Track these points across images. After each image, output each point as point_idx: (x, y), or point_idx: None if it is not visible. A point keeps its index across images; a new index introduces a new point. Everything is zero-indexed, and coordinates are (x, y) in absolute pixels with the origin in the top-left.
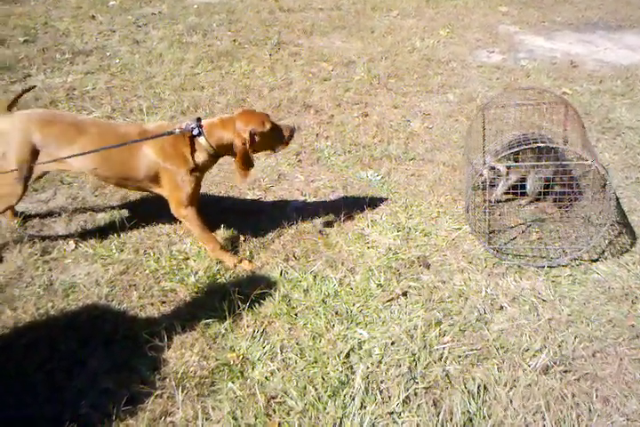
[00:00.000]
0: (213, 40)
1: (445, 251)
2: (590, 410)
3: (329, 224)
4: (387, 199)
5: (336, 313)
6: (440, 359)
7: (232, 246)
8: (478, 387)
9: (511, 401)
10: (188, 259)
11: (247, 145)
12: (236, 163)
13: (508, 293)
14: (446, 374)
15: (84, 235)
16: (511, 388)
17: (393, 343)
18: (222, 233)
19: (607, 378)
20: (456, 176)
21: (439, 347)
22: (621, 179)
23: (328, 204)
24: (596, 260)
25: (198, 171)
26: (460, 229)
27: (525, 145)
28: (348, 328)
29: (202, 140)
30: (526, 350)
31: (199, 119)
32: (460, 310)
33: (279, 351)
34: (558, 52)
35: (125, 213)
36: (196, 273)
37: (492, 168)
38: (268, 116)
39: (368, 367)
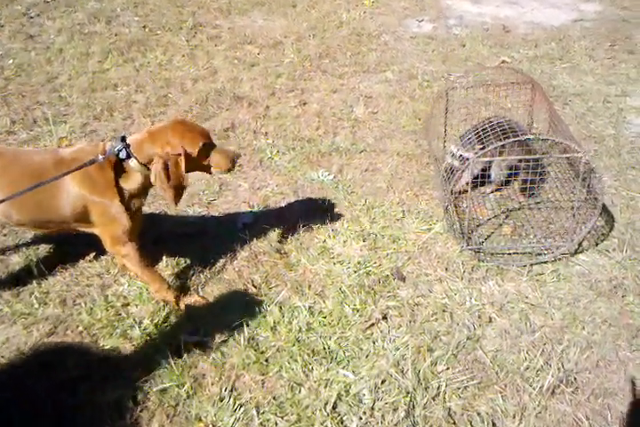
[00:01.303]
0: (120, 28)
1: (418, 257)
2: None
3: (286, 240)
4: (344, 202)
5: (312, 352)
6: (438, 395)
7: (179, 281)
8: (486, 424)
9: None
10: (128, 304)
11: (182, 163)
12: (163, 185)
13: (493, 301)
14: (449, 413)
15: None
16: (520, 419)
17: (383, 382)
18: (164, 265)
19: (617, 391)
20: (413, 167)
21: (435, 381)
22: None
23: (280, 214)
24: (577, 250)
25: (135, 199)
26: (428, 229)
27: (495, 131)
28: (328, 370)
29: (132, 162)
30: (527, 369)
31: (124, 138)
32: (448, 330)
33: (255, 414)
34: (487, 16)
35: (43, 252)
36: (141, 322)
37: (460, 157)
38: (206, 130)
39: (361, 418)
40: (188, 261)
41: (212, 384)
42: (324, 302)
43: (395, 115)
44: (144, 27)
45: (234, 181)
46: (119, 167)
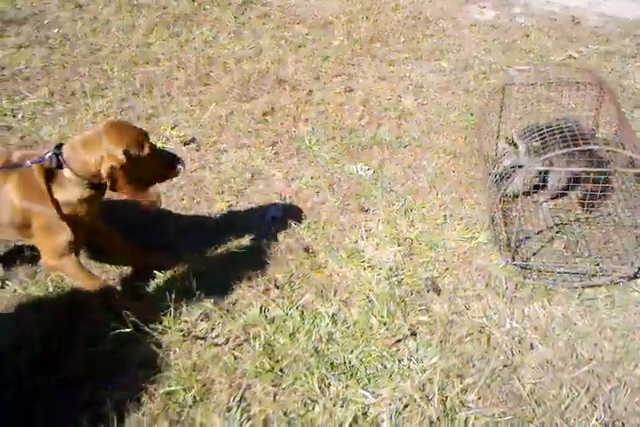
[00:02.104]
0: (169, 1)
1: (457, 269)
2: None
3: (315, 237)
4: (382, 201)
5: (331, 365)
6: None
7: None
8: None
9: None
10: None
11: (122, 170)
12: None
13: (537, 325)
14: None
15: None
16: None
17: (406, 407)
18: (183, 261)
19: None
20: (460, 167)
21: (463, 412)
22: None
23: (312, 209)
24: (636, 274)
25: (76, 210)
26: (471, 238)
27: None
28: (347, 387)
29: (66, 172)
30: (568, 408)
31: (60, 145)
32: (483, 354)
33: None
34: (556, 5)
35: None
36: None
37: (512, 143)
38: (145, 133)
39: None
40: (210, 254)
41: (221, 391)
42: (349, 310)
43: (445, 108)
44: (193, 1)
45: (267, 170)
46: (49, 177)
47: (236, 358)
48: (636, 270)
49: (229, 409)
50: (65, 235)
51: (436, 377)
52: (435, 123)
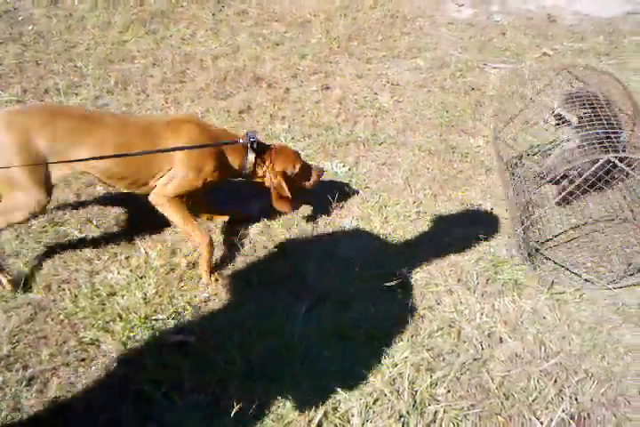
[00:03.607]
0: None
1: (429, 264)
2: None
3: (289, 234)
4: (357, 198)
5: (304, 360)
6: (434, 422)
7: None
8: None
9: None
10: (114, 294)
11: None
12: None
13: (506, 319)
14: None
15: None
16: None
17: (376, 402)
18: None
19: None
20: (434, 164)
21: (432, 405)
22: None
23: None
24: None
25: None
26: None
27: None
28: (318, 384)
29: (251, 156)
30: (536, 400)
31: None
32: (453, 348)
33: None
34: (532, 3)
35: (35, 231)
36: (125, 315)
37: (559, 116)
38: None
39: None
40: (185, 251)
41: (193, 389)
42: (323, 306)
43: (421, 105)
44: None
45: None
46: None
47: (208, 356)
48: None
49: (199, 407)
50: (187, 187)
51: (407, 371)
52: (410, 120)
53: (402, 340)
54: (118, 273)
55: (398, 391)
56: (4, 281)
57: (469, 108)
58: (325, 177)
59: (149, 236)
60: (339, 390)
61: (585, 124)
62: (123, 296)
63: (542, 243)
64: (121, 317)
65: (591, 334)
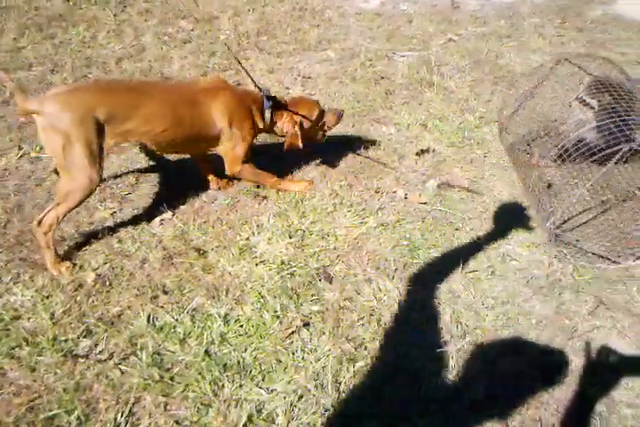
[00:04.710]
0: (41, 1)
1: (348, 255)
2: None
3: (206, 237)
4: (272, 194)
5: (224, 367)
6: None
7: (81, 288)
8: None
9: None
10: (19, 318)
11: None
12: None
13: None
14: None
15: None
16: None
17: (300, 398)
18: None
19: (548, 399)
20: (349, 156)
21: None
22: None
23: (202, 209)
24: (510, 242)
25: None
26: (361, 224)
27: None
28: (241, 386)
29: (267, 113)
30: (456, 380)
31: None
32: (374, 336)
33: None
34: None
35: None
36: (32, 339)
37: (584, 101)
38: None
39: None
40: (94, 265)
41: (107, 409)
42: (241, 308)
43: (333, 97)
44: (67, 0)
45: (152, 170)
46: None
47: (122, 372)
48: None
49: (118, 425)
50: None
51: (329, 364)
52: None
53: (324, 333)
54: (22, 295)
55: (322, 386)
56: None
57: (380, 97)
58: None
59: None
60: (262, 391)
61: (606, 108)
62: (28, 319)
63: (563, 223)
64: (27, 341)
65: (504, 309)
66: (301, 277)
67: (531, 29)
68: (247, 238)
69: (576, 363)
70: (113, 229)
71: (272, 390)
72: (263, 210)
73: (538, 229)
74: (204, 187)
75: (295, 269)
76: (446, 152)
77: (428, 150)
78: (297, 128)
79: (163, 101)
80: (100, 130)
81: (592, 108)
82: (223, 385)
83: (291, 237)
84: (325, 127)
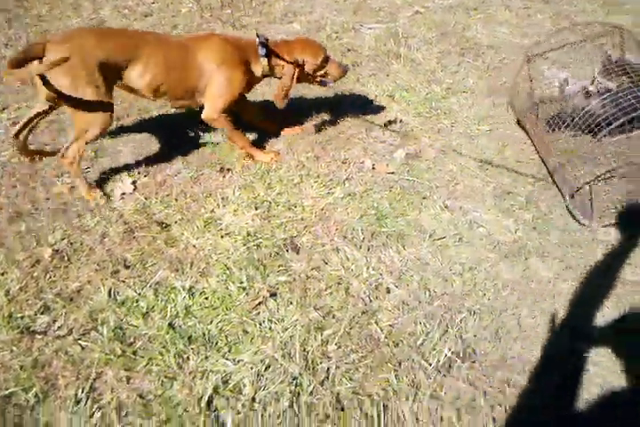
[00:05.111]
0: None
1: (315, 226)
2: (506, 410)
3: (169, 211)
4: (237, 167)
5: (189, 339)
6: (327, 379)
7: (36, 266)
8: (377, 408)
9: (417, 419)
10: None
11: (296, 74)
12: (286, 85)
13: (392, 269)
14: (337, 399)
15: None
16: (414, 400)
17: (268, 368)
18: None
19: (516, 362)
20: (316, 127)
21: (325, 363)
22: (489, 106)
23: (165, 182)
24: (477, 209)
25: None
26: (329, 193)
27: None
28: (207, 358)
29: (263, 61)
30: (423, 343)
31: (265, 39)
32: (342, 304)
33: (116, 417)
34: None
35: None
36: None
37: (598, 82)
38: (323, 47)
39: (239, 412)
40: (51, 240)
41: (67, 386)
42: (206, 281)
43: None
44: None
45: (112, 144)
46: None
47: (83, 348)
48: None
49: (78, 402)
50: (234, 94)
51: (297, 334)
52: None
53: (291, 303)
54: None
55: (290, 355)
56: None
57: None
58: (205, 149)
59: (8, 225)
60: (229, 363)
61: (624, 90)
62: None
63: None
64: None
65: (472, 274)
66: (268, 248)
67: (497, 2)
68: (212, 211)
69: (542, 325)
70: (71, 205)
71: (238, 361)
72: (228, 182)
73: (505, 195)
74: (167, 160)
75: (261, 240)
76: (414, 122)
77: (395, 121)
78: (292, 68)
79: (156, 47)
80: (103, 71)
81: (609, 90)
82: (188, 358)
83: (257, 209)
84: (327, 77)
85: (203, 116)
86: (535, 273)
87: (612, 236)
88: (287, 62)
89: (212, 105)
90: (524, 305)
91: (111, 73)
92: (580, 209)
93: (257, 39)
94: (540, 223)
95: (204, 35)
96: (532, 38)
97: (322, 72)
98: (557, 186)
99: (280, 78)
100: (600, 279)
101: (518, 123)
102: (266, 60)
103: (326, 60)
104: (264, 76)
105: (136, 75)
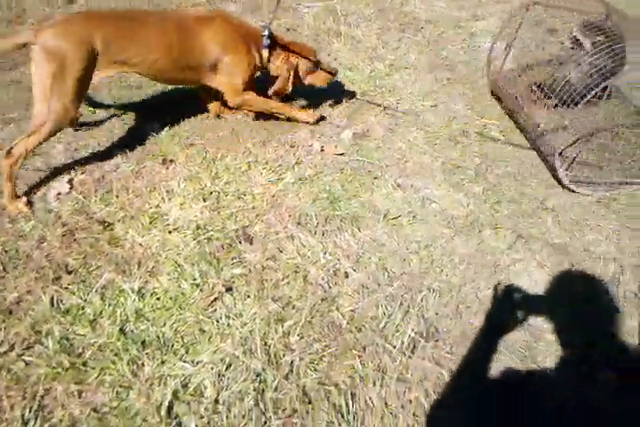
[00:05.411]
0: None
1: (267, 214)
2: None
3: (110, 209)
4: (180, 157)
5: (142, 344)
6: (292, 372)
7: None
8: (345, 397)
9: (386, 404)
10: None
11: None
12: (286, 84)
13: (349, 253)
14: (303, 391)
15: None
16: (381, 384)
17: (229, 367)
18: None
19: (478, 336)
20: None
21: (288, 356)
22: (432, 81)
23: (104, 179)
24: (428, 186)
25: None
26: (280, 179)
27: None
28: (163, 363)
29: (265, 52)
30: (386, 326)
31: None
32: (301, 293)
33: None
34: None
35: None
36: None
37: (575, 39)
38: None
39: (202, 416)
40: None
41: (13, 406)
42: (156, 280)
43: None
44: None
45: (45, 143)
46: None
47: (27, 363)
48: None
49: (26, 423)
50: (246, 76)
51: (257, 328)
52: None
53: (249, 297)
54: None
55: (251, 351)
56: None
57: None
58: (147, 141)
59: None
60: (187, 365)
61: (597, 50)
62: None
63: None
64: None
65: (428, 252)
66: (220, 240)
67: None
68: (157, 206)
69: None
70: (2, 209)
71: (197, 363)
72: (172, 174)
73: (455, 170)
74: (105, 154)
75: (212, 233)
76: (359, 102)
77: (340, 101)
78: (292, 73)
79: (157, 29)
80: (92, 60)
81: (583, 49)
82: (143, 364)
83: (205, 201)
84: (316, 81)
85: (230, 104)
86: (489, 246)
87: (562, 201)
88: (286, 59)
89: (231, 90)
90: (481, 278)
91: (106, 59)
92: (562, 171)
93: (265, 31)
94: (490, 195)
95: (209, 14)
96: (468, 11)
97: (314, 75)
98: (540, 151)
99: (269, 72)
100: (551, 248)
101: (492, 93)
102: (267, 51)
103: (317, 63)
104: (260, 68)
105: (135, 58)
